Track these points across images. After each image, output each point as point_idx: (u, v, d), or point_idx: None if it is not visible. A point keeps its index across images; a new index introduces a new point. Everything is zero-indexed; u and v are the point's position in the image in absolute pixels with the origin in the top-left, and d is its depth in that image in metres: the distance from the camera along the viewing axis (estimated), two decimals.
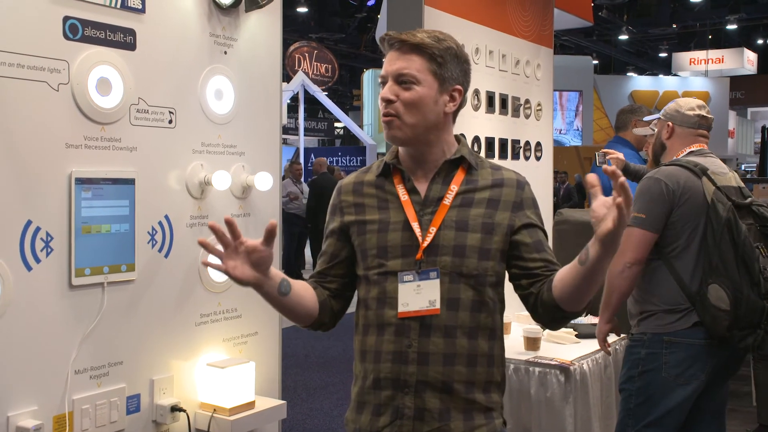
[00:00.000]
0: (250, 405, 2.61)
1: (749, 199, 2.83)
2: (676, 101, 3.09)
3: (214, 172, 2.56)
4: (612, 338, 3.70)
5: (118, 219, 2.34)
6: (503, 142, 4.27)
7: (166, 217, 2.49)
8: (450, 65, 1.83)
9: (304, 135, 18.26)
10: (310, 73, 18.61)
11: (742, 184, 2.93)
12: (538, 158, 4.61)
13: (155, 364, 2.47)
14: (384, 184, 1.90)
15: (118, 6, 2.32)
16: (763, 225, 2.77)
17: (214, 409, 2.55)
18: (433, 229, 1.81)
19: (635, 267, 2.82)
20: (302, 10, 18.75)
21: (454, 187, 1.85)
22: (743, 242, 2.68)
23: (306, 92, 16.46)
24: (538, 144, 4.62)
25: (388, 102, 1.79)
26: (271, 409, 2.67)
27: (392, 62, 1.80)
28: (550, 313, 1.80)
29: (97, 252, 2.28)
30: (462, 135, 1.96)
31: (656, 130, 3.16)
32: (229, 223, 1.69)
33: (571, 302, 1.75)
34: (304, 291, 1.88)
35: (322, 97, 16.21)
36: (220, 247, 1.71)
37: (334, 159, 16.57)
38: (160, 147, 2.46)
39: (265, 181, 2.68)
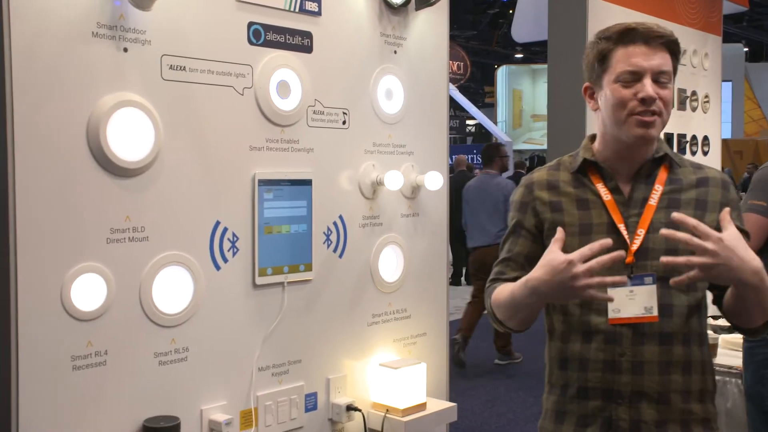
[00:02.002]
0: (422, 406, 2.59)
1: None
2: None
3: (386, 172, 2.55)
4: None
5: (297, 219, 2.38)
6: (668, 137, 4.06)
7: (340, 217, 2.51)
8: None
9: None
10: None
11: None
12: (705, 153, 4.35)
13: (330, 363, 2.50)
14: (582, 183, 1.82)
15: (297, 10, 2.36)
16: None
17: (387, 410, 2.55)
18: (641, 231, 1.72)
19: None
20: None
21: (659, 187, 1.76)
22: None
23: None
24: (705, 138, 4.36)
25: (653, 101, 1.69)
26: (443, 411, 2.64)
27: (648, 57, 1.70)
28: (732, 325, 1.77)
29: (277, 252, 2.33)
30: None
31: None
32: None
33: (738, 318, 1.72)
34: None
35: (456, 94, 16.17)
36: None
37: (469, 156, 16.48)
38: (334, 148, 2.48)
39: (436, 181, 2.65)
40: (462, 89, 21.19)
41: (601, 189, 1.78)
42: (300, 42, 2.38)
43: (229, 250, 2.22)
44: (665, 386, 1.69)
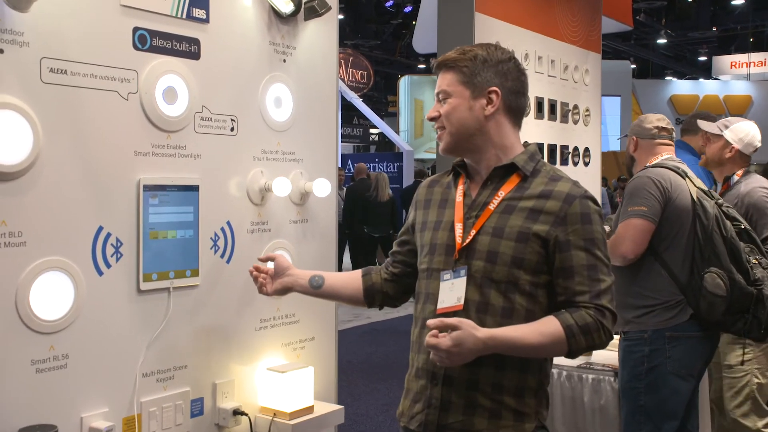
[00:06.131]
0: (309, 409, 2.63)
1: (719, 200, 3.02)
2: (639, 117, 3.32)
3: (275, 179, 2.59)
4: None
5: (183, 225, 2.38)
6: (552, 148, 4.26)
7: (228, 223, 2.53)
8: (479, 71, 1.92)
9: (340, 141, 18.36)
10: (346, 80, 18.70)
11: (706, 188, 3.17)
12: (586, 164, 4.59)
13: (217, 368, 2.51)
14: (452, 185, 2.02)
15: (184, 16, 2.37)
16: (732, 223, 2.95)
17: (274, 413, 2.58)
18: (473, 232, 1.88)
19: (632, 261, 2.95)
20: (338, 17, 18.84)
21: (502, 194, 1.91)
22: (731, 237, 2.89)
23: (342, 99, 16.54)
24: (587, 149, 4.60)
25: (432, 119, 1.95)
26: (330, 413, 2.69)
27: (435, 84, 1.97)
28: None
29: (163, 257, 2.33)
30: (530, 143, 2.02)
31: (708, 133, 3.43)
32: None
33: None
34: (342, 282, 2.19)
35: (359, 103, 16.27)
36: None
37: (371, 165, 16.57)
38: (222, 154, 2.50)
39: (324, 188, 2.71)
40: (366, 98, 21.36)
41: (459, 191, 1.98)
42: (187, 48, 2.39)
43: (112, 256, 2.20)
44: (475, 375, 1.84)
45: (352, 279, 2.19)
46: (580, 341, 1.80)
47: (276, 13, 2.64)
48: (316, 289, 2.18)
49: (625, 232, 2.93)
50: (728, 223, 2.92)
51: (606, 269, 1.86)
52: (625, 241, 2.92)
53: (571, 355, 1.84)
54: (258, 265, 2.28)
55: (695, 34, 21.56)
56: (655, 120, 3.22)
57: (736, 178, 3.54)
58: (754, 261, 2.89)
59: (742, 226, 2.95)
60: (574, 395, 3.42)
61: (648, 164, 3.14)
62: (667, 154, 3.16)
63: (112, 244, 2.20)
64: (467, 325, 1.74)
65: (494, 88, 1.90)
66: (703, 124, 3.63)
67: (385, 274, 2.15)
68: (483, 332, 1.75)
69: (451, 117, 1.92)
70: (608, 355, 3.55)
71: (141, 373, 2.27)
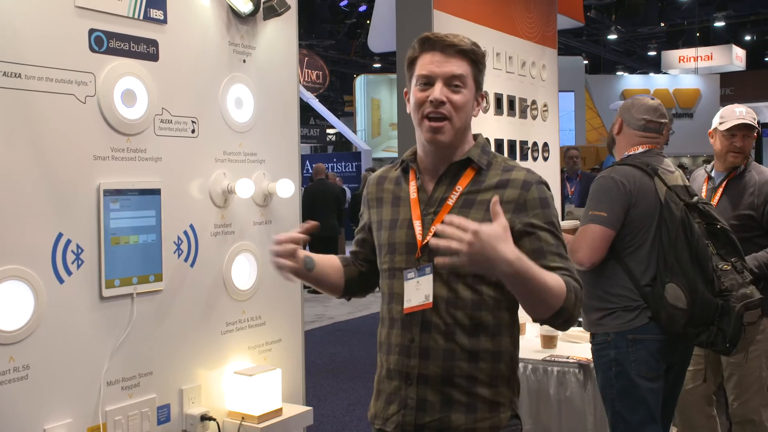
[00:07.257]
0: (278, 412, 2.61)
1: (696, 198, 2.88)
2: (633, 99, 3.09)
3: (238, 180, 2.56)
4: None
5: (145, 229, 2.34)
6: (511, 144, 4.30)
7: (191, 226, 2.50)
8: (483, 71, 1.90)
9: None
10: (302, 80, 18.63)
11: (687, 183, 3.00)
12: (545, 158, 4.64)
13: (184, 374, 2.48)
14: (401, 181, 1.99)
15: (141, 17, 2.32)
16: (709, 223, 2.81)
17: (243, 417, 2.55)
18: (433, 229, 1.85)
19: (589, 268, 2.84)
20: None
21: (459, 188, 1.89)
22: (697, 242, 2.73)
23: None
24: (545, 144, 4.65)
25: (440, 103, 1.81)
26: (298, 415, 2.68)
27: (441, 64, 1.82)
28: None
29: (125, 263, 2.28)
30: (479, 135, 1.98)
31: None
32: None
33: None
34: (330, 268, 2.06)
35: (315, 103, 16.24)
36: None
37: (330, 165, 16.61)
38: (183, 157, 2.46)
39: (287, 188, 2.69)
40: (322, 98, 21.28)
41: (412, 187, 1.93)
42: (145, 50, 2.35)
43: (73, 263, 2.15)
44: (449, 371, 1.83)
45: (336, 268, 2.08)
46: (571, 299, 1.75)
47: (235, 13, 2.61)
48: (308, 272, 1.99)
49: (583, 239, 2.83)
50: (695, 225, 2.76)
51: (566, 251, 1.87)
52: (582, 249, 2.81)
53: (557, 315, 1.75)
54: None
55: (644, 29, 21.96)
56: (647, 109, 2.98)
57: (742, 167, 3.50)
58: (725, 267, 2.73)
59: (718, 226, 2.79)
60: (539, 387, 3.46)
61: (624, 154, 2.99)
62: (648, 147, 2.96)
63: (72, 251, 2.15)
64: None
65: (483, 93, 1.92)
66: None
67: (360, 269, 2.12)
68: (513, 246, 1.64)
69: (463, 110, 1.84)
70: (572, 348, 3.60)
71: (105, 382, 2.23)
